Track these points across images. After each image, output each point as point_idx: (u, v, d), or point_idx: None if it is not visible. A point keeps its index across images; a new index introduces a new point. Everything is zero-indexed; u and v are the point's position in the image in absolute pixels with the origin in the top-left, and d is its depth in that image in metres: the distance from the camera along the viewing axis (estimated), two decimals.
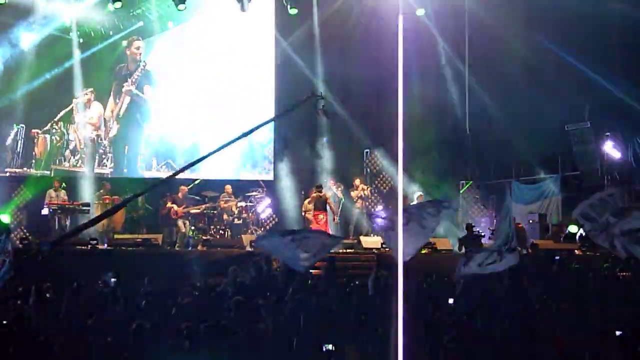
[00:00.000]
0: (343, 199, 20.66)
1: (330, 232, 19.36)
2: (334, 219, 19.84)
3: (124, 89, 21.97)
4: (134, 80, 22.05)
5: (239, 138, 10.96)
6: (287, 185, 21.49)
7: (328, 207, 19.56)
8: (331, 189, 20.75)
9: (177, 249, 18.45)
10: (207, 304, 10.91)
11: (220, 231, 19.71)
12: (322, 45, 22.17)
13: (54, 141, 21.60)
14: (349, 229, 20.50)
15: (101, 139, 21.87)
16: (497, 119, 21.56)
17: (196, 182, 20.63)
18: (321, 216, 19.37)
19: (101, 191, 19.99)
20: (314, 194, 19.54)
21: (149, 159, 21.99)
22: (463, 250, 16.93)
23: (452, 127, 22.73)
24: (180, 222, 19.17)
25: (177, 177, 20.96)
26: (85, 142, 21.70)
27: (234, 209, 20.04)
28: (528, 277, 12.45)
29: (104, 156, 21.85)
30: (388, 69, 21.60)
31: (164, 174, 21.51)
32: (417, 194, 20.26)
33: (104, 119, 21.92)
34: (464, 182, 22.80)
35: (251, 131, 11.93)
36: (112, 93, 21.98)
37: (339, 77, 21.94)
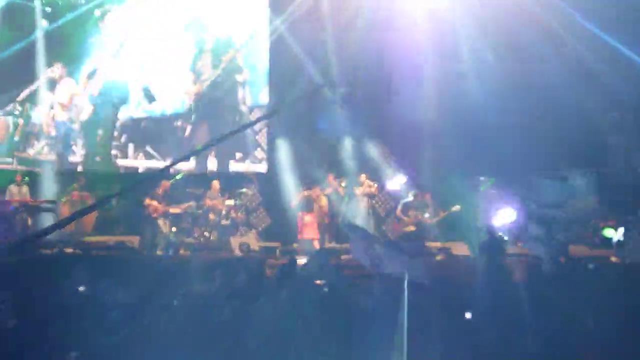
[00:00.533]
0: (347, 197, 20.60)
1: (318, 236, 19.46)
2: (324, 220, 19.77)
3: (97, 66, 21.93)
4: (109, 55, 22.00)
5: (237, 131, 10.91)
6: (283, 179, 21.42)
7: (317, 207, 19.64)
8: (330, 185, 20.65)
9: (156, 253, 18.42)
10: (191, 314, 10.91)
11: (206, 233, 19.70)
12: (324, 22, 22.12)
13: (17, 124, 21.55)
14: None
15: (72, 122, 21.83)
16: (520, 105, 21.49)
17: (178, 176, 20.59)
18: (307, 218, 19.46)
19: (74, 186, 19.93)
20: (302, 193, 19.69)
21: (124, 146, 21.98)
22: (484, 256, 16.89)
23: (467, 114, 22.64)
24: (160, 222, 19.16)
25: (154, 167, 21.09)
26: (54, 125, 21.66)
27: (221, 207, 20.02)
28: (557, 287, 12.45)
29: (72, 142, 21.81)
30: (399, 49, 21.72)
31: (141, 162, 21.54)
32: (412, 192, 20.35)
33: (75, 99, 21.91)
34: (483, 178, 22.72)
35: (251, 124, 11.88)
36: (83, 70, 21.93)
37: (343, 58, 21.90)
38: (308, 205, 19.58)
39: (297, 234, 19.81)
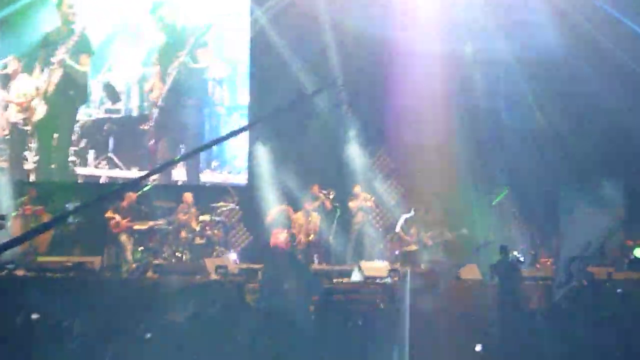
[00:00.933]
0: (339, 212, 20.52)
1: (289, 256, 19.52)
2: (299, 241, 19.78)
3: (54, 60, 21.92)
4: (67, 48, 22.01)
5: (217, 141, 10.81)
6: (266, 191, 21.38)
7: (304, 224, 19.72)
8: (316, 198, 20.54)
9: (119, 275, 18.39)
10: (160, 348, 10.93)
11: (177, 253, 19.66)
12: (314, 14, 22.11)
13: None
14: (347, 251, 20.50)
15: (27, 123, 21.79)
16: (542, 106, 21.57)
17: (146, 187, 20.47)
18: (281, 235, 19.54)
19: (24, 199, 19.89)
20: (277, 206, 19.82)
21: (84, 152, 21.95)
22: (496, 280, 16.99)
23: (480, 117, 22.69)
24: (125, 239, 19.09)
25: (118, 177, 21.08)
26: (7, 128, 21.65)
27: (194, 224, 20.01)
28: (580, 316, 12.51)
29: (25, 147, 21.77)
30: (402, 45, 21.76)
31: (103, 172, 21.55)
32: (412, 210, 20.48)
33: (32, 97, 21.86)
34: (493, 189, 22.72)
35: (232, 134, 11.82)
36: (37, 65, 21.95)
37: (336, 55, 21.89)
38: (283, 221, 19.59)
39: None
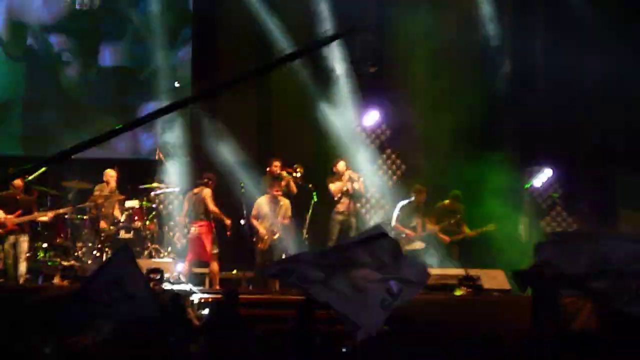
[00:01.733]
0: (315, 197, 20.44)
1: (212, 257, 19.53)
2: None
3: None
4: None
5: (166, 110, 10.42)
6: (213, 167, 21.31)
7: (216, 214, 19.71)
8: (276, 177, 20.36)
9: (13, 283, 18.34)
10: None
11: (95, 252, 19.59)
12: None
13: None
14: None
15: None
16: (587, 65, 21.65)
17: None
18: (195, 228, 19.38)
19: None
20: (190, 192, 19.94)
21: None
22: (529, 291, 16.98)
23: (506, 76, 22.79)
24: (12, 238, 18.79)
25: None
26: None
27: (117, 212, 19.92)
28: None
29: None
30: None
31: None
32: (416, 187, 20.45)
33: None
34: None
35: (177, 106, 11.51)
36: None
37: None
38: (198, 208, 19.51)
39: (189, 253, 19.73)
